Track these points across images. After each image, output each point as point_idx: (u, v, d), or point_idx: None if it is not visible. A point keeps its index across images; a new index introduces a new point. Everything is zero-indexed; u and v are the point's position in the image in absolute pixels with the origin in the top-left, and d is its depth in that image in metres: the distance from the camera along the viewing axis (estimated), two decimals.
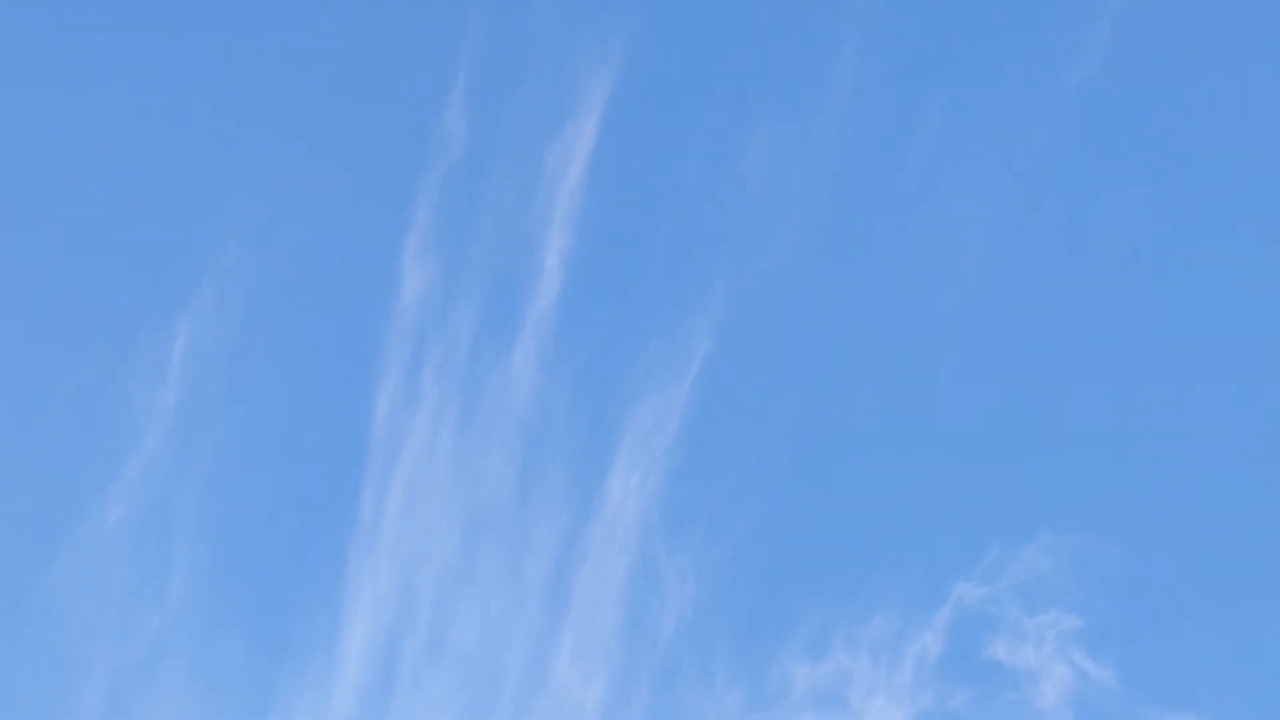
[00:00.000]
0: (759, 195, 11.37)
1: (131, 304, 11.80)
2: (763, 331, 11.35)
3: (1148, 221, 11.39)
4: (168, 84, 12.51)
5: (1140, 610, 10.16)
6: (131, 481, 11.79)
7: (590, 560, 11.17)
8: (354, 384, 11.70)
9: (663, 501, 11.10)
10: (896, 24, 12.10)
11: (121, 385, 11.75)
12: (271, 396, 11.80)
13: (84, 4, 13.21)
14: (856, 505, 10.89)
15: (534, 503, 11.36)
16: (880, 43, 11.98)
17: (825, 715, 10.59)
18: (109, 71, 12.45)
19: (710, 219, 11.42)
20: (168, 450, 11.68)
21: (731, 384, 11.15)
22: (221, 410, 11.66)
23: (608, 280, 11.62)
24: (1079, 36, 11.34)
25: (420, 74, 11.76)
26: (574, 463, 11.35)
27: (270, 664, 11.67)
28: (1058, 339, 10.94)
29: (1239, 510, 10.52)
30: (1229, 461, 10.61)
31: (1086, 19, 11.49)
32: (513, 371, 11.48)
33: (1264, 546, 10.16)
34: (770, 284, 11.25)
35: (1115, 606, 10.12)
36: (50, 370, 12.13)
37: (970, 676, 10.36)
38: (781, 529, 11.02)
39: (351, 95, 12.14)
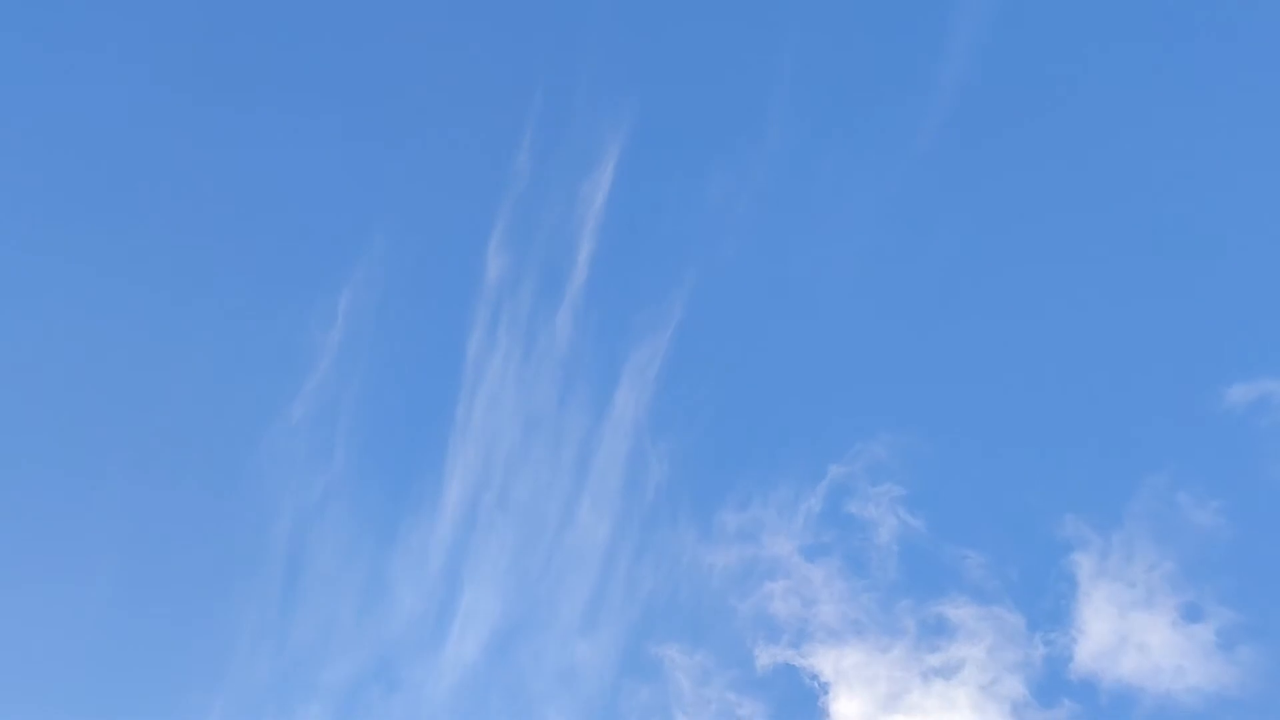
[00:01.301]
0: (717, 215, 17.18)
1: (314, 272, 17.94)
2: (717, 306, 17.26)
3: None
4: (339, 136, 18.46)
5: (943, 482, 15.99)
6: (309, 391, 18.05)
7: (603, 447, 17.22)
8: (454, 333, 17.82)
9: (649, 411, 17.17)
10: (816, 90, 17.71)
11: (305, 328, 17.95)
12: (401, 338, 17.96)
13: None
14: (770, 418, 16.83)
15: (567, 411, 17.43)
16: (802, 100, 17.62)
17: (745, 547, 16.61)
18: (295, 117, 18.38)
19: (684, 232, 17.32)
20: (334, 373, 17.91)
21: (694, 339, 17.15)
22: (369, 346, 17.83)
23: (617, 271, 17.65)
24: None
25: (502, 131, 17.62)
26: (593, 386, 17.44)
27: (396, 510, 17.90)
28: (904, 297, 16.66)
29: (1017, 419, 16.25)
30: (1012, 388, 16.33)
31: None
32: (556, 327, 17.54)
33: (1027, 440, 15.92)
34: (722, 275, 17.14)
35: (927, 480, 15.99)
36: (259, 313, 18.30)
37: (836, 524, 16.33)
38: (724, 431, 17.03)
39: (457, 142, 18.05)
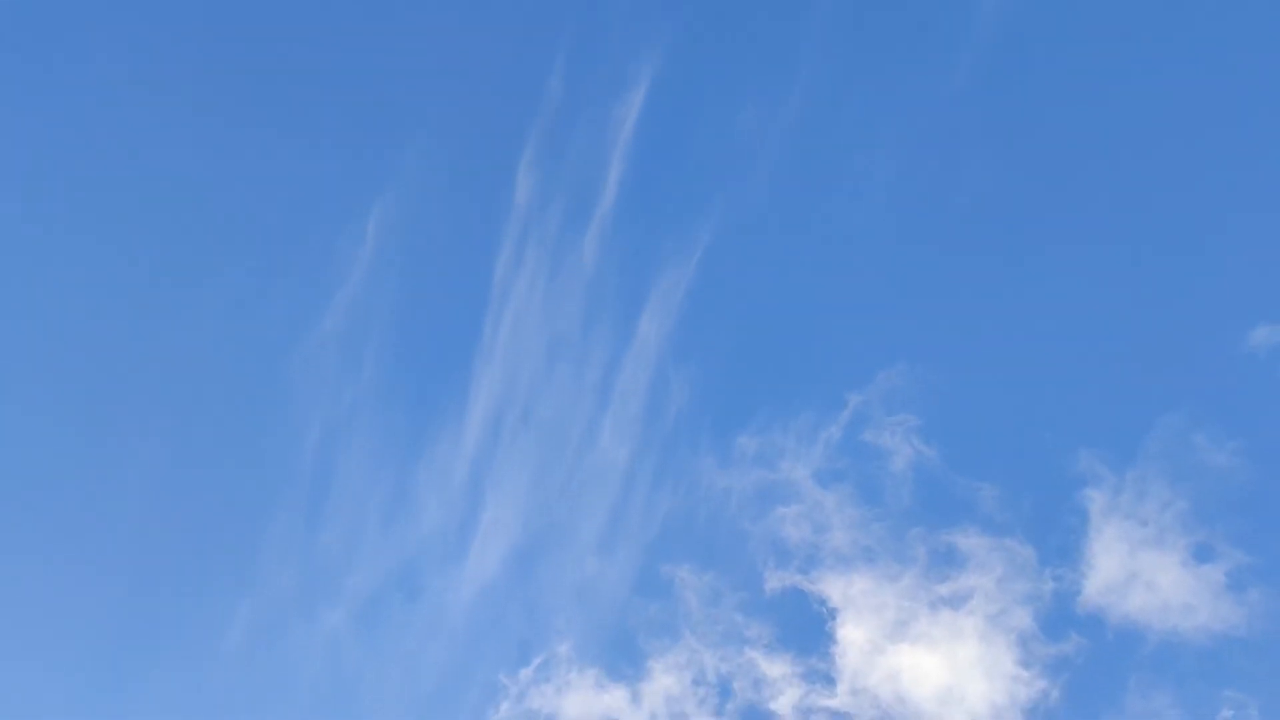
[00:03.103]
0: (746, 145, 17.01)
1: (346, 190, 18.06)
2: (743, 235, 17.14)
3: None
4: (370, 55, 18.45)
5: (958, 414, 15.92)
6: (340, 305, 18.25)
7: (625, 370, 17.31)
8: (481, 253, 17.87)
9: (672, 337, 17.20)
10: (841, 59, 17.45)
11: (336, 243, 18.13)
12: (430, 255, 18.07)
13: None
14: (791, 346, 16.77)
15: (592, 333, 17.49)
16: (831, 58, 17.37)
17: (761, 472, 16.69)
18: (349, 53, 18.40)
19: (714, 160, 17.16)
20: (364, 288, 18.09)
21: (720, 267, 17.09)
22: (399, 263, 17.98)
23: (645, 196, 17.51)
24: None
25: (534, 53, 17.48)
26: (619, 310, 17.46)
27: (422, 424, 18.13)
28: (926, 233, 16.50)
29: (1035, 353, 16.12)
30: (1031, 324, 16.18)
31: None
32: (583, 250, 17.51)
33: (1036, 382, 15.80)
34: (750, 204, 17.01)
35: (943, 411, 15.94)
36: (292, 229, 18.49)
37: (850, 452, 16.34)
38: (746, 358, 17.03)
39: (491, 69, 17.94)
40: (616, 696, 16.83)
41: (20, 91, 19.37)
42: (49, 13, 19.51)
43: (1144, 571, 15.22)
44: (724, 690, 16.45)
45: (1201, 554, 15.08)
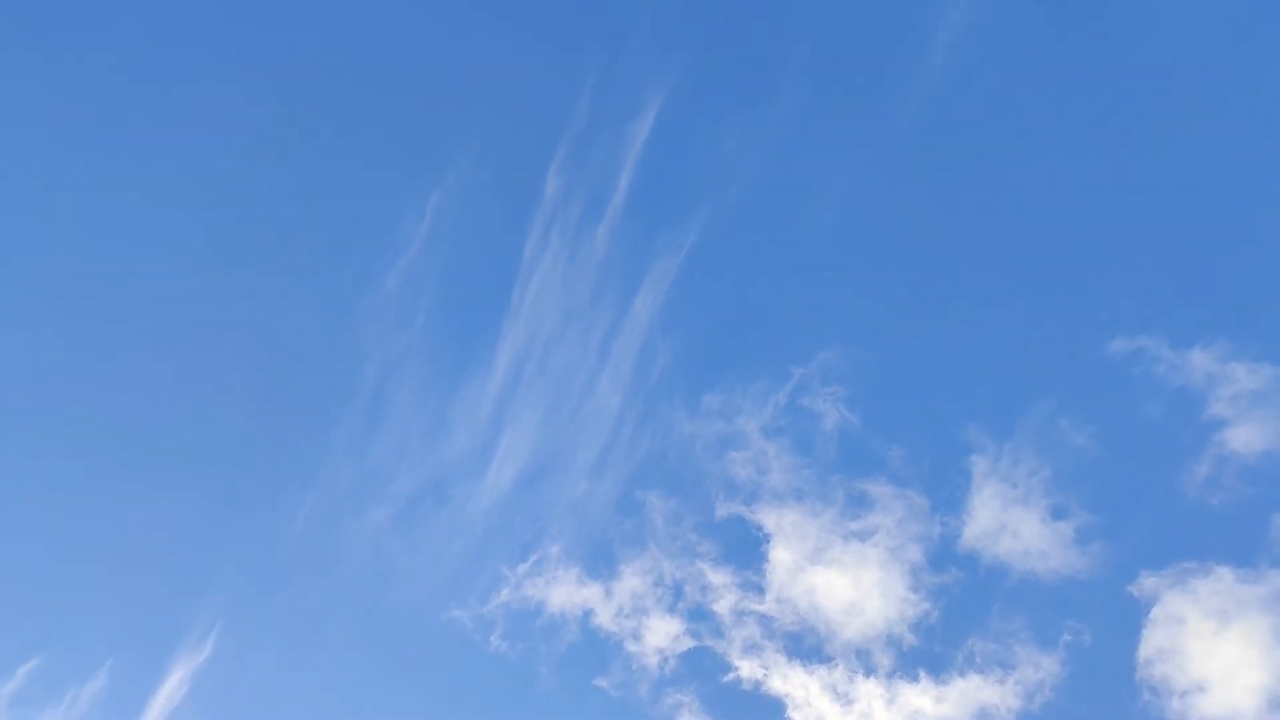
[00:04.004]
0: (731, 163, 21.16)
1: (411, 178, 22.69)
2: (724, 234, 21.35)
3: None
4: (439, 73, 22.95)
5: (878, 388, 19.93)
6: (401, 268, 22.89)
7: (622, 337, 21.61)
8: (515, 236, 22.35)
9: (662, 312, 21.55)
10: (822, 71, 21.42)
11: (401, 219, 22.77)
12: (475, 235, 22.60)
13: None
14: (754, 325, 20.98)
15: (598, 305, 21.83)
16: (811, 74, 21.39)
17: (721, 424, 20.87)
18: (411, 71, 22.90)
19: (704, 173, 21.42)
20: (420, 256, 22.67)
21: (703, 259, 21.40)
22: (450, 238, 22.54)
23: (648, 199, 21.93)
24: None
25: (569, 80, 21.85)
26: (620, 288, 21.82)
27: (459, 366, 22.68)
28: (868, 242, 20.45)
29: (943, 344, 20.00)
30: (942, 320, 20.08)
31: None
32: (596, 238, 21.90)
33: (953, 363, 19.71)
34: (730, 210, 21.22)
35: (866, 385, 19.97)
36: (366, 205, 23.10)
37: (793, 413, 20.46)
38: (719, 332, 21.30)
39: (533, 91, 22.38)
40: (593, 591, 21.21)
41: (130, 78, 24.05)
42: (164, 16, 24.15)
43: (1011, 523, 19.10)
44: (677, 592, 20.72)
45: (1056, 513, 18.94)
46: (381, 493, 23.00)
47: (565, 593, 21.44)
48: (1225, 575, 17.56)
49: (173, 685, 22.81)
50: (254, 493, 23.79)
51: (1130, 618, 17.95)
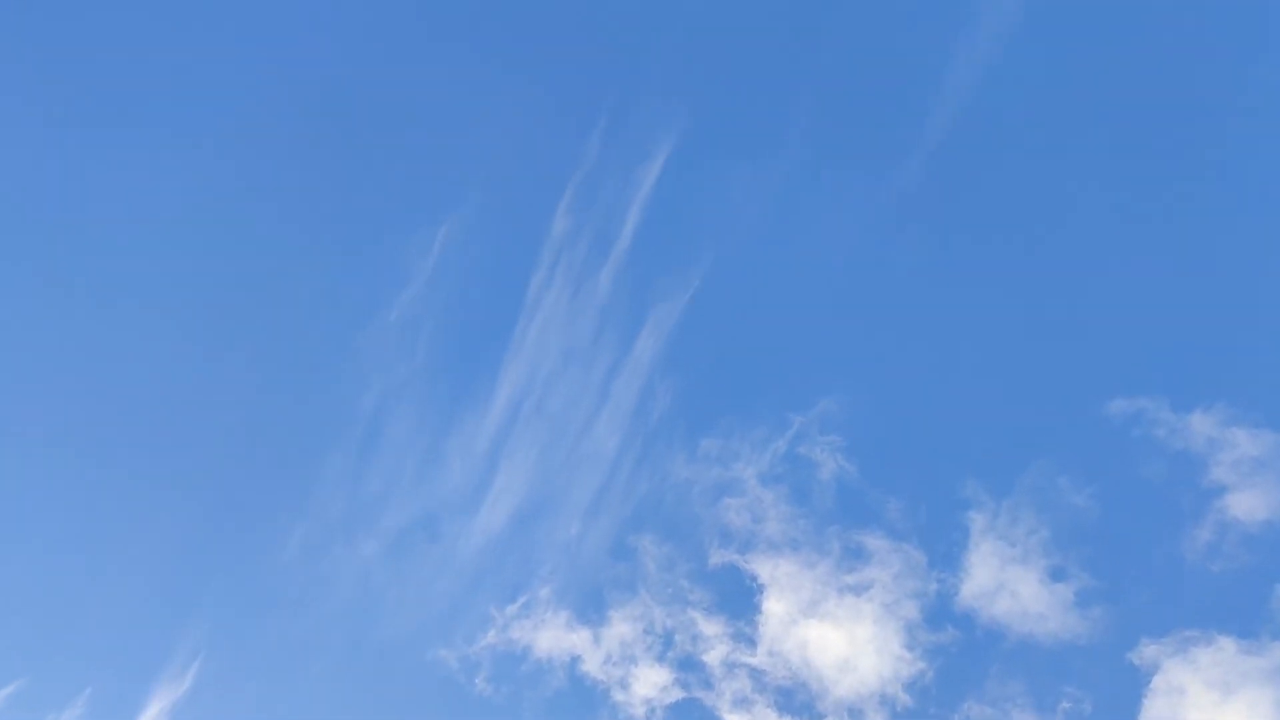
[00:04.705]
0: (736, 210, 21.30)
1: (421, 211, 22.83)
2: (727, 280, 21.38)
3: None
4: (454, 111, 23.28)
5: (877, 439, 19.72)
6: (405, 301, 22.93)
7: (622, 378, 21.50)
8: (520, 273, 22.38)
9: (663, 355, 21.44)
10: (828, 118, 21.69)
11: (408, 252, 22.84)
12: (481, 270, 22.67)
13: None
14: (755, 372, 20.90)
15: (599, 346, 21.77)
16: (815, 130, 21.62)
17: (718, 470, 20.61)
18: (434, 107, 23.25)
19: (710, 219, 21.51)
20: (425, 289, 22.74)
21: (706, 304, 21.39)
22: (455, 273, 22.59)
23: (653, 242, 22.05)
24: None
25: (579, 123, 22.09)
26: (622, 329, 21.78)
27: (458, 401, 22.56)
28: (871, 293, 20.47)
29: (944, 399, 19.84)
30: (945, 375, 19.95)
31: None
32: (600, 279, 21.92)
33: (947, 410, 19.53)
34: (735, 257, 21.28)
35: (865, 435, 19.78)
36: (375, 238, 23.25)
37: (791, 461, 20.24)
38: (719, 377, 21.19)
39: (544, 133, 22.67)
40: (582, 636, 20.76)
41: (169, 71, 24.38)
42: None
43: (1009, 583, 18.73)
44: (668, 641, 20.28)
45: (1056, 574, 18.58)
46: (373, 525, 22.74)
47: (553, 637, 21.02)
48: (1227, 645, 17.16)
49: (151, 716, 22.28)
50: (243, 519, 23.52)
51: (1131, 686, 17.53)
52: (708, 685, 19.76)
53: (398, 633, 21.98)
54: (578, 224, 22.27)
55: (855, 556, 19.64)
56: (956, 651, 18.75)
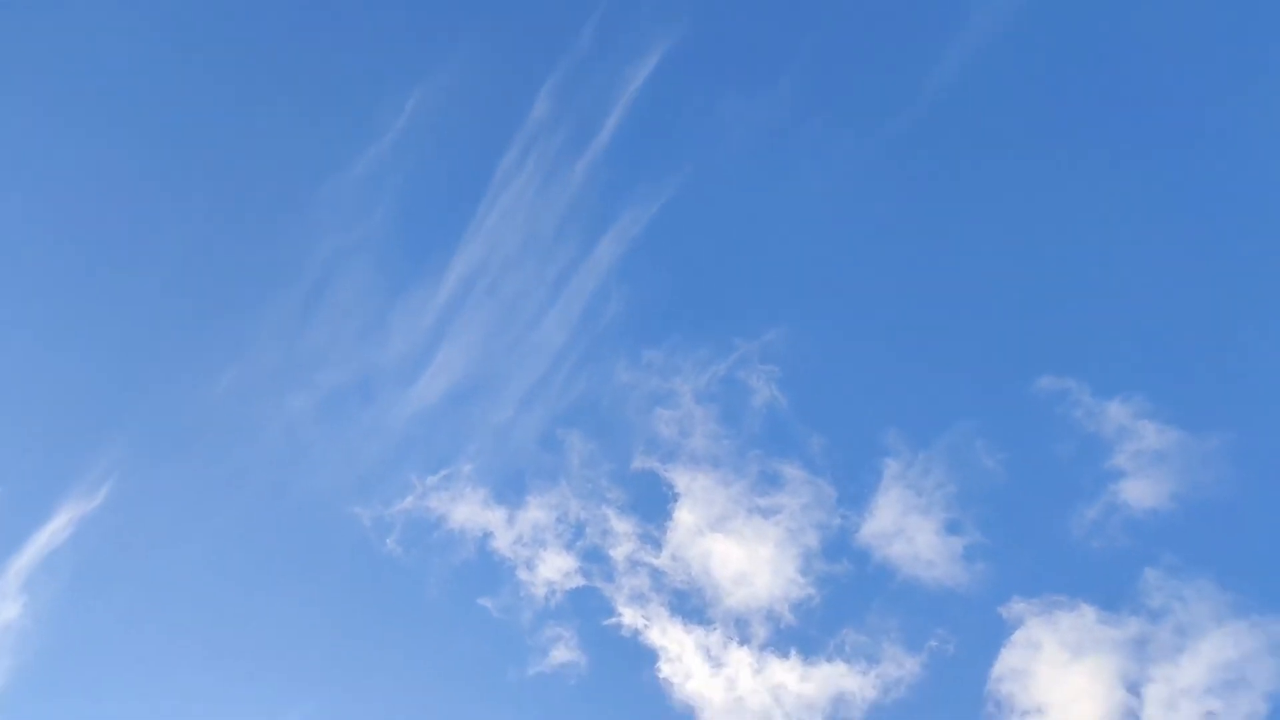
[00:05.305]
0: (722, 129, 21.10)
1: (396, 71, 22.08)
2: (699, 197, 21.39)
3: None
4: None
5: (812, 376, 20.39)
6: (370, 157, 22.46)
7: (579, 276, 21.61)
8: (492, 151, 22.04)
9: (622, 260, 21.55)
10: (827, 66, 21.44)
11: (379, 110, 22.16)
12: (451, 141, 22.23)
13: None
14: (708, 292, 21.22)
15: (562, 239, 21.76)
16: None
17: (657, 381, 21.08)
18: None
19: (693, 133, 21.40)
20: (391, 151, 22.30)
21: (674, 217, 21.45)
22: (424, 139, 22.14)
23: (633, 145, 21.86)
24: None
25: (575, 11, 21.42)
26: (587, 228, 21.80)
27: (410, 270, 22.52)
28: (833, 238, 20.75)
29: (885, 348, 20.51)
30: (889, 325, 20.57)
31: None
32: (572, 173, 21.71)
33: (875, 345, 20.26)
34: (711, 176, 21.22)
35: (801, 370, 20.43)
36: (349, 89, 22.44)
37: (728, 383, 20.77)
38: (674, 292, 21.48)
39: (540, 10, 21.84)
40: (497, 515, 21.42)
41: None
42: None
43: (908, 529, 19.82)
44: (578, 531, 21.07)
45: (952, 527, 19.72)
46: (307, 379, 22.75)
47: (469, 511, 21.62)
48: (1088, 614, 18.57)
49: (56, 526, 22.41)
50: (177, 351, 23.29)
51: (994, 636, 18.91)
52: (609, 578, 20.73)
53: (316, 486, 22.32)
54: (559, 111, 21.89)
55: (770, 482, 20.53)
56: (846, 583, 19.94)
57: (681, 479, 20.95)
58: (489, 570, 21.12)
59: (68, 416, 23.17)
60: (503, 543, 21.40)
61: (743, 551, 20.56)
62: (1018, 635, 18.91)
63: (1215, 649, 17.83)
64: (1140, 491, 18.98)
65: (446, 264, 22.19)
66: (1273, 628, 17.76)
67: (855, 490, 20.14)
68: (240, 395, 22.73)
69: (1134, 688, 18.20)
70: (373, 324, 22.48)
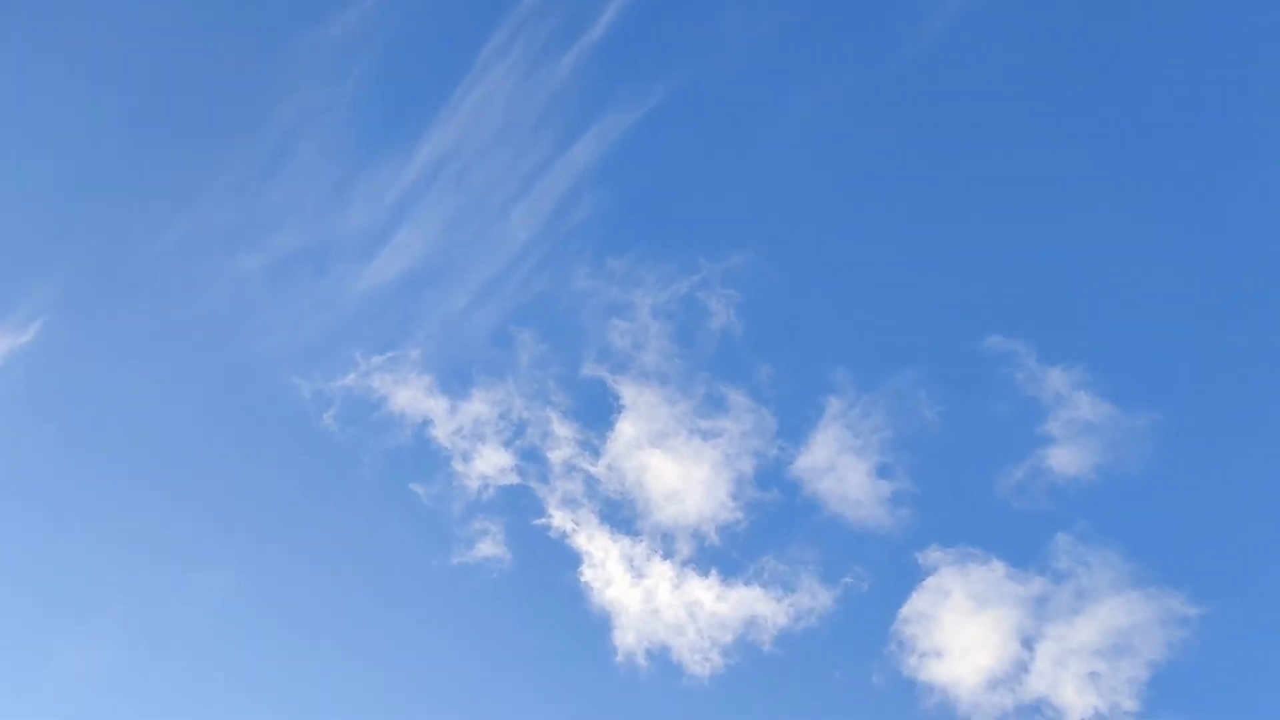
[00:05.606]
0: (721, 41, 20.59)
1: None
2: (686, 109, 20.95)
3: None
4: None
5: (771, 305, 20.54)
6: (348, 19, 21.57)
7: (552, 173, 21.10)
8: (479, 31, 21.18)
9: (599, 163, 21.18)
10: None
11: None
12: (437, 15, 21.27)
13: None
14: (679, 210, 21.03)
15: (539, 133, 21.24)
16: None
17: (618, 290, 20.95)
18: None
19: (692, 40, 20.87)
20: (374, 13, 21.20)
21: (658, 125, 21.00)
22: (407, 9, 21.03)
23: (627, 45, 21.23)
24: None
25: None
26: (567, 123, 21.31)
27: (380, 142, 21.82)
28: (811, 174, 20.64)
29: (843, 292, 20.63)
30: (850, 268, 20.67)
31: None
32: (559, 64, 21.10)
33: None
34: (703, 86, 20.77)
35: (762, 299, 20.52)
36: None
37: (687, 302, 20.75)
38: (645, 204, 21.05)
39: None
40: (439, 404, 21.30)
41: None
42: None
43: (840, 467, 20.26)
44: (519, 430, 21.09)
45: (883, 471, 20.20)
46: (260, 242, 22.07)
47: (411, 396, 21.43)
48: (998, 569, 19.30)
49: None
50: (125, 194, 22.34)
51: (907, 580, 19.57)
52: (544, 479, 20.86)
53: (257, 350, 21.86)
54: (547, 6, 21.09)
55: (715, 405, 20.70)
56: (774, 511, 20.37)
57: (628, 391, 21.02)
58: (425, 457, 21.12)
59: (5, 243, 22.21)
60: (442, 432, 21.35)
61: (678, 470, 20.82)
62: (929, 581, 19.63)
63: (1109, 614, 18.72)
64: (1066, 459, 19.61)
65: (418, 141, 21.55)
66: (1166, 600, 18.69)
67: (795, 423, 20.47)
68: (188, 248, 22.01)
69: (1028, 642, 19.11)
70: (334, 194, 21.84)
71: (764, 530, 20.44)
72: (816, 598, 19.95)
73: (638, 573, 20.52)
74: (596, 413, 20.89)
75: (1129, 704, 17.83)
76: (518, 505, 20.57)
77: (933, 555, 19.69)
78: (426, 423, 21.27)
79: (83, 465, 21.23)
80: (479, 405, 21.26)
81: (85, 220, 22.25)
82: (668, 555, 20.44)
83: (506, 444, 21.09)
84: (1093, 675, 18.69)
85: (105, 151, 22.30)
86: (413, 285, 21.57)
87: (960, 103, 20.68)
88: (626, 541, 20.56)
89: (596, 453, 20.92)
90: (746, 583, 20.10)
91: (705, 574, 20.27)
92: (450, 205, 21.75)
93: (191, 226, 21.88)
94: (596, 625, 19.72)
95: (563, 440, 20.98)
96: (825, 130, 20.83)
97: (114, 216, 22.28)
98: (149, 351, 21.71)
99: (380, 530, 20.81)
